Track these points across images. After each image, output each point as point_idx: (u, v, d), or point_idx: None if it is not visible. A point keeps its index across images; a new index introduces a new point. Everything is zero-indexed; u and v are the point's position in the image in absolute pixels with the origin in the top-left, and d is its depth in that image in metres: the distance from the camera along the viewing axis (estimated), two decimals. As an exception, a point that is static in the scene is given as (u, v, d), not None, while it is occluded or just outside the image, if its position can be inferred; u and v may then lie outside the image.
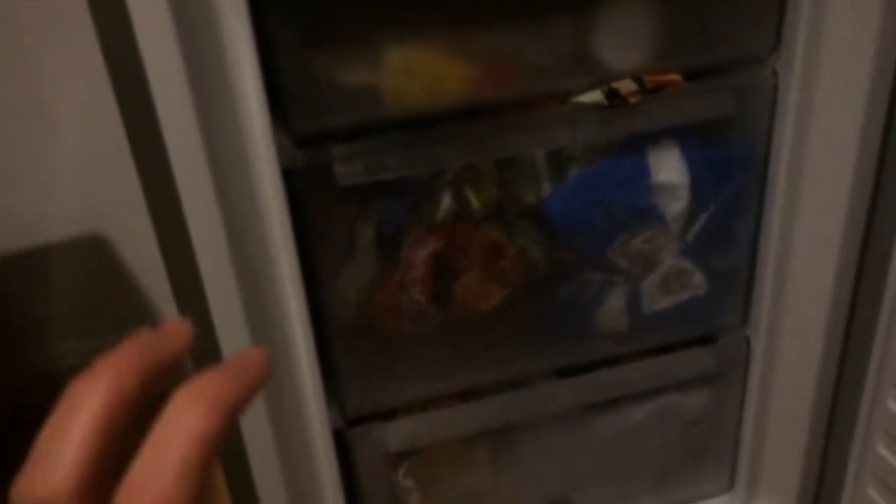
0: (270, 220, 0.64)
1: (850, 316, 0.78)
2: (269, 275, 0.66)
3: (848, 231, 0.74)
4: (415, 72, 0.63)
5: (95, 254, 1.26)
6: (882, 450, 0.77)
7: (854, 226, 0.74)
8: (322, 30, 0.60)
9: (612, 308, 0.82)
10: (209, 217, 0.61)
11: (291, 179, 0.65)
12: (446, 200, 0.72)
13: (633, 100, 0.68)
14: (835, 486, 0.85)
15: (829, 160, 0.72)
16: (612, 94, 0.68)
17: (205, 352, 0.67)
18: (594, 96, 0.69)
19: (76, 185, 1.20)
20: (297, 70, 0.60)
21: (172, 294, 0.64)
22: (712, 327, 0.86)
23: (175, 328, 0.27)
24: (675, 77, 0.69)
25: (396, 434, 0.81)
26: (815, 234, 0.76)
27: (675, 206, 0.77)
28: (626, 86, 0.68)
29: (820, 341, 0.80)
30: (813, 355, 0.81)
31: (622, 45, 0.68)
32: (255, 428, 0.71)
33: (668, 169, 0.76)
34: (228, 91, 0.58)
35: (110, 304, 1.29)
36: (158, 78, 0.54)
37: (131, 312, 1.27)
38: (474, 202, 0.73)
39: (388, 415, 0.80)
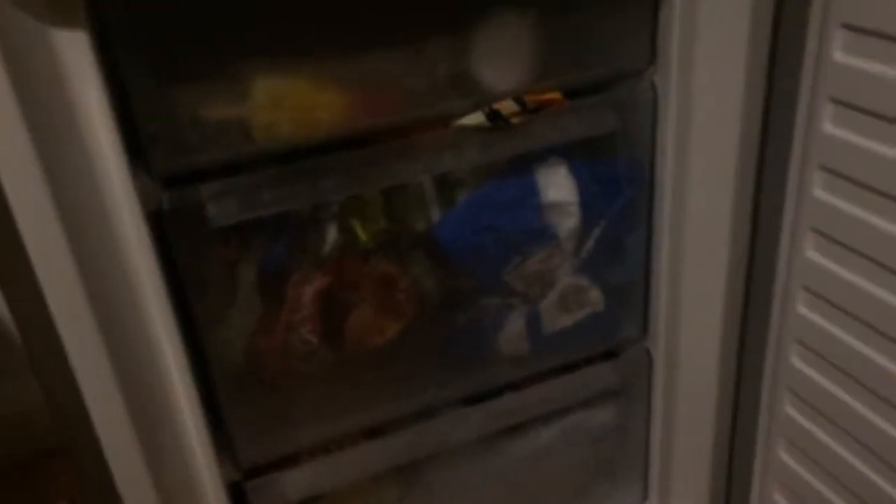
0: (137, 267, 0.59)
1: (744, 322, 0.78)
2: (141, 328, 0.61)
3: (735, 235, 0.75)
4: (284, 103, 0.59)
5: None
6: (783, 454, 0.78)
7: (740, 230, 0.75)
8: (178, 64, 0.56)
9: (513, 332, 0.80)
10: (62, 267, 0.55)
11: (160, 222, 0.60)
12: (332, 234, 0.69)
13: (515, 120, 0.67)
14: (742, 490, 0.86)
15: (712, 167, 0.72)
16: (494, 116, 0.67)
17: (77, 419, 0.61)
18: (476, 118, 0.67)
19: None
20: (153, 109, 0.55)
21: (28, 358, 0.58)
22: (613, 342, 0.86)
23: None
24: (556, 95, 0.68)
25: (298, 482, 0.77)
26: (703, 241, 0.77)
27: (567, 223, 0.76)
28: (507, 106, 0.67)
29: (716, 349, 0.80)
30: (711, 363, 0.82)
31: (500, 66, 0.67)
32: (136, 489, 0.65)
33: (557, 187, 0.75)
34: (77, 134, 0.53)
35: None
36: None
37: (2, 365, 1.18)
38: (361, 235, 0.70)
39: (288, 462, 0.76)
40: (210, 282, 0.66)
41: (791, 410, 0.74)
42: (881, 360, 0.62)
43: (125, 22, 0.52)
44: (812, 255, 0.66)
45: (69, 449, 0.63)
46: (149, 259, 0.59)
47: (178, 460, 0.67)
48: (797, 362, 0.72)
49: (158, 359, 0.63)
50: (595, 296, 0.82)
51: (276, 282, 0.68)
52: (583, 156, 0.75)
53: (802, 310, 0.69)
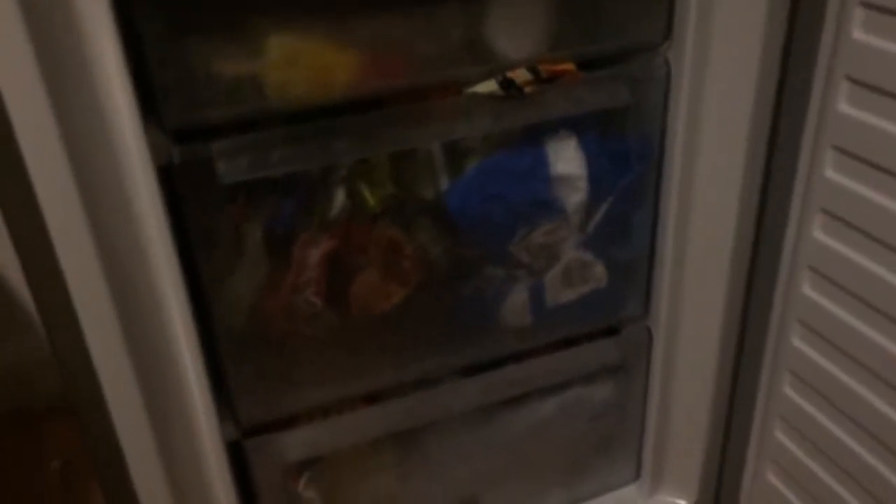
0: (146, 222, 0.59)
1: (747, 303, 0.79)
2: (147, 281, 0.62)
3: (741, 217, 0.75)
4: (298, 62, 0.59)
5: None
6: (780, 435, 0.78)
7: (747, 212, 0.75)
8: (193, 17, 0.55)
9: (516, 303, 0.80)
10: (73, 221, 0.55)
11: (170, 178, 0.60)
12: (340, 197, 0.69)
13: (528, 89, 0.67)
14: (735, 471, 0.87)
15: (722, 147, 0.72)
16: (507, 84, 0.66)
17: (83, 373, 0.61)
18: (489, 86, 0.67)
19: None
20: (167, 60, 0.55)
21: (37, 312, 0.58)
22: (615, 319, 0.86)
23: None
24: (570, 66, 0.68)
25: (296, 443, 0.77)
26: (709, 221, 0.77)
27: (575, 197, 0.76)
28: (521, 75, 0.66)
29: (717, 330, 0.81)
30: (711, 343, 0.82)
31: (515, 34, 0.66)
32: (138, 445, 0.66)
33: (567, 160, 0.75)
34: (91, 84, 0.53)
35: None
36: (6, 70, 0.49)
37: (2, 324, 1.18)
38: (369, 199, 0.70)
39: (287, 423, 0.77)
40: (217, 239, 0.66)
41: (790, 391, 0.75)
42: (885, 342, 0.62)
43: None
44: (819, 235, 0.66)
45: (71, 407, 0.63)
46: (158, 213, 0.59)
47: (180, 416, 0.67)
48: (799, 343, 0.72)
49: (164, 314, 0.63)
50: (599, 271, 0.82)
51: (282, 242, 0.68)
52: (593, 130, 0.75)
53: (807, 290, 0.69)
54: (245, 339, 0.71)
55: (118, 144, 0.55)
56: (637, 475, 0.98)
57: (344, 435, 0.81)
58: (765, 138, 0.71)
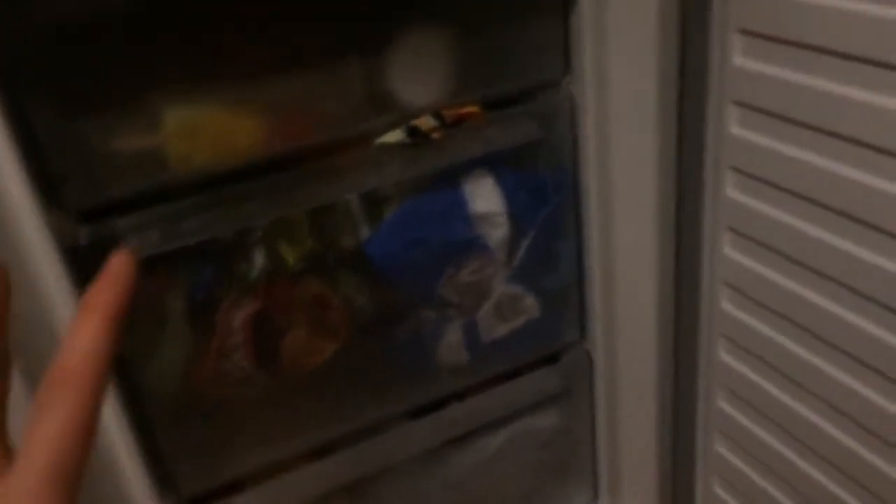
0: (55, 307, 0.58)
1: (677, 318, 0.80)
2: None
3: (661, 237, 0.76)
4: (198, 132, 0.59)
5: None
6: (720, 447, 0.79)
7: (666, 232, 0.76)
8: (83, 98, 0.55)
9: (451, 343, 0.81)
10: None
11: (79, 259, 0.59)
12: (259, 258, 0.69)
13: (435, 135, 0.68)
14: (687, 484, 0.88)
15: (633, 172, 0.74)
16: (413, 132, 0.67)
17: None
18: (396, 136, 0.67)
19: None
20: (61, 145, 0.55)
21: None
22: (553, 347, 0.87)
23: None
24: (474, 109, 0.69)
25: (245, 507, 0.76)
26: (631, 243, 0.78)
27: (497, 233, 0.77)
28: (425, 122, 0.67)
29: (653, 346, 0.82)
30: (649, 360, 0.83)
31: (417, 83, 0.67)
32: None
33: (485, 198, 0.76)
34: (-16, 174, 0.52)
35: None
36: None
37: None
38: (289, 257, 0.70)
39: (233, 488, 0.76)
40: (137, 314, 0.65)
41: (723, 404, 0.76)
42: (801, 352, 0.63)
43: (22, 57, 0.52)
44: (730, 252, 0.68)
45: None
46: (67, 297, 0.58)
47: (118, 498, 0.66)
48: (725, 357, 0.73)
49: (86, 396, 0.62)
50: (530, 303, 0.82)
51: (206, 310, 0.68)
52: (508, 166, 0.76)
53: (726, 305, 0.71)
54: (178, 410, 0.71)
55: (18, 233, 0.55)
56: (595, 497, 0.98)
57: (293, 493, 0.80)
58: (672, 161, 0.73)
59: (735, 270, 0.67)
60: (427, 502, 0.90)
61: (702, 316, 0.75)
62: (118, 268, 0.33)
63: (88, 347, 0.30)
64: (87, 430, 0.29)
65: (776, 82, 0.55)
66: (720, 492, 0.81)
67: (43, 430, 0.28)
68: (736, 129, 0.61)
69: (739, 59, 0.58)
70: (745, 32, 0.57)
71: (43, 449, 0.27)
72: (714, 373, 0.75)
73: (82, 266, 0.60)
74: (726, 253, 0.68)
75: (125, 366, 0.65)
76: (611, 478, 0.95)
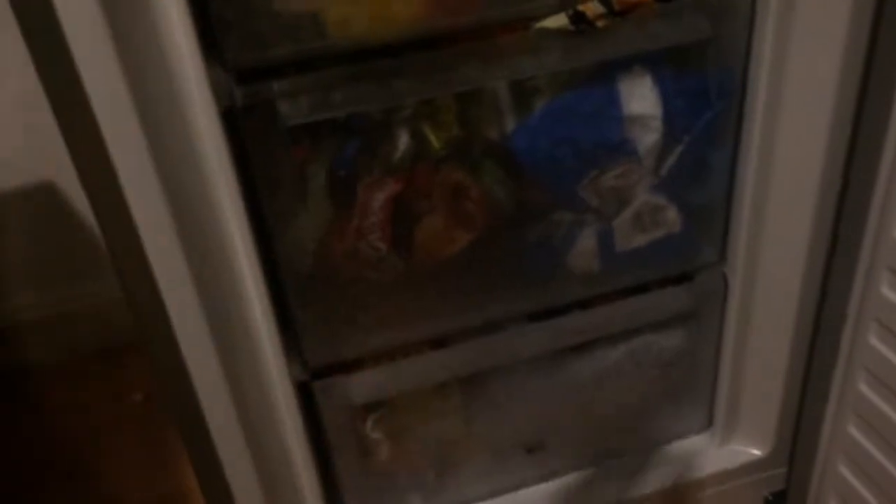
0: (212, 166, 0.59)
1: (832, 249, 0.74)
2: (214, 226, 0.62)
3: (828, 159, 0.71)
4: (359, -3, 0.57)
5: (47, 202, 1.21)
6: (863, 387, 0.75)
7: (835, 152, 0.70)
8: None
9: (584, 249, 0.78)
10: (141, 167, 0.56)
11: (233, 120, 0.60)
12: (403, 139, 0.68)
13: (600, 23, 0.63)
14: (814, 423, 0.84)
15: (810, 85, 0.68)
16: (578, 18, 0.63)
17: (154, 316, 0.63)
18: (559, 21, 0.63)
19: (23, 133, 1.14)
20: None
21: (109, 254, 0.60)
22: (688, 265, 0.83)
23: None
24: (646, -3, 0.64)
25: (362, 386, 0.78)
26: (794, 163, 0.72)
27: (648, 138, 0.73)
28: (592, 8, 0.63)
29: (799, 278, 0.77)
30: (792, 292, 0.78)
31: (588, -37, 0.63)
32: (212, 388, 0.68)
33: (640, 99, 0.71)
34: (153, 24, 0.52)
35: (65, 255, 1.25)
36: (70, 16, 0.49)
37: (86, 264, 1.23)
38: (434, 141, 0.68)
39: (354, 366, 0.77)
40: (281, 181, 0.66)
41: (876, 342, 0.71)
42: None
43: None
44: (916, 178, 0.62)
45: (146, 345, 0.65)
46: (222, 156, 0.59)
47: (249, 355, 0.68)
48: (888, 292, 0.68)
49: (231, 256, 0.63)
50: (672, 216, 0.78)
51: (346, 185, 0.68)
52: (670, 66, 0.71)
53: (898, 236, 0.65)
54: (311, 282, 0.72)
55: (182, 85, 0.55)
56: (709, 424, 0.96)
57: (410, 379, 0.81)
58: (858, 75, 0.66)
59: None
60: (538, 406, 0.90)
61: (864, 246, 0.69)
62: None
63: None
64: None
65: None
66: (854, 432, 0.77)
67: None
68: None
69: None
70: None
71: None
72: (869, 308, 0.70)
73: (236, 128, 0.60)
74: (910, 178, 0.62)
75: (266, 231, 0.66)
76: (728, 408, 0.92)
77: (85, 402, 1.25)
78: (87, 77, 0.51)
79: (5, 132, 1.14)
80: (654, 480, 0.93)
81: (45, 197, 1.20)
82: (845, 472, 0.82)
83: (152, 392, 1.23)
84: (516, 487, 0.93)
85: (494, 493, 0.92)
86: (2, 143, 1.16)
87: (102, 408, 1.24)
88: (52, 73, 0.51)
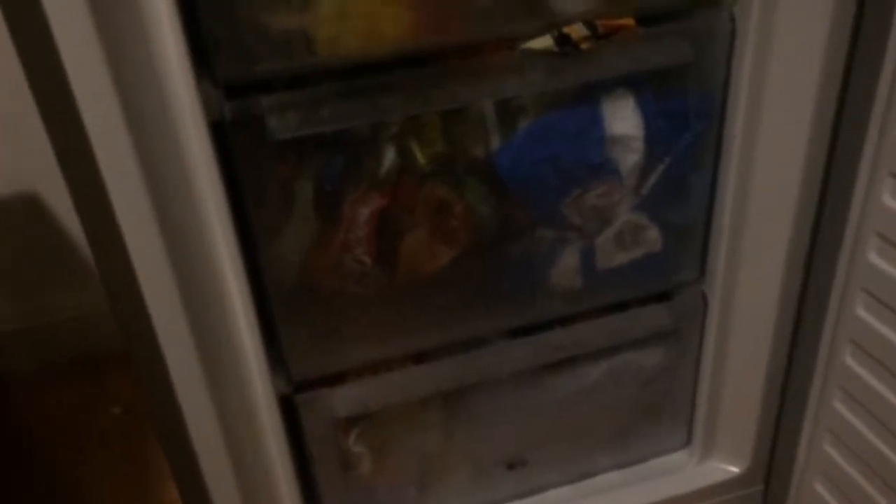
0: (200, 179, 0.60)
1: (807, 268, 0.76)
2: (201, 238, 0.62)
3: (806, 180, 0.72)
4: (349, 15, 0.58)
5: (26, 212, 1.20)
6: (838, 405, 0.76)
7: (812, 173, 0.72)
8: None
9: (566, 266, 0.79)
10: (130, 179, 0.56)
11: (222, 134, 0.60)
12: (389, 155, 0.68)
13: (584, 45, 0.65)
14: (790, 440, 0.85)
15: (787, 108, 0.69)
16: (563, 40, 0.64)
17: (139, 328, 0.63)
18: (544, 42, 0.65)
19: (4, 143, 1.14)
20: (218, 11, 0.55)
21: (95, 265, 0.60)
22: (668, 284, 0.84)
23: None
24: (629, 21, 0.65)
25: (345, 399, 0.78)
26: (772, 185, 0.74)
27: (630, 159, 0.74)
28: (577, 30, 0.64)
29: (776, 295, 0.78)
30: (769, 309, 0.80)
31: (572, -13, 0.64)
32: (195, 400, 0.68)
33: (623, 120, 0.73)
34: (143, 38, 0.53)
35: (45, 266, 1.24)
36: (62, 30, 0.50)
37: (66, 274, 1.22)
38: (419, 157, 0.69)
39: (337, 379, 0.78)
40: (268, 195, 0.66)
41: (851, 362, 0.72)
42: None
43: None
44: (889, 200, 0.63)
45: (130, 357, 0.65)
46: (211, 169, 0.59)
47: (233, 368, 0.69)
48: (863, 313, 0.69)
49: (217, 269, 0.64)
50: (653, 235, 0.80)
51: (332, 200, 0.68)
52: (651, 88, 0.73)
53: (873, 257, 0.66)
54: (295, 295, 0.72)
55: (172, 98, 0.56)
56: (688, 441, 0.97)
57: (392, 392, 0.81)
58: (834, 100, 0.68)
59: (893, 220, 0.63)
60: (519, 423, 0.90)
61: (839, 267, 0.71)
62: None
63: None
64: None
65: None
66: (830, 450, 0.78)
67: None
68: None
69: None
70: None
71: None
72: (844, 328, 0.71)
73: (224, 141, 0.61)
74: (884, 201, 0.63)
75: (252, 244, 0.66)
76: (707, 425, 0.93)
77: (64, 413, 1.24)
78: (78, 90, 0.52)
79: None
80: (633, 497, 0.94)
81: (25, 207, 1.20)
82: (821, 489, 0.83)
83: (132, 405, 1.23)
84: (497, 503, 0.93)
85: (475, 509, 0.92)
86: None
87: (81, 420, 1.23)
88: (44, 85, 0.52)
